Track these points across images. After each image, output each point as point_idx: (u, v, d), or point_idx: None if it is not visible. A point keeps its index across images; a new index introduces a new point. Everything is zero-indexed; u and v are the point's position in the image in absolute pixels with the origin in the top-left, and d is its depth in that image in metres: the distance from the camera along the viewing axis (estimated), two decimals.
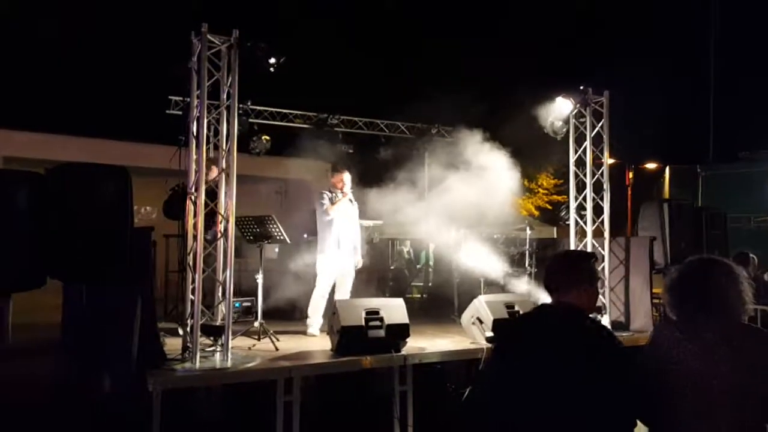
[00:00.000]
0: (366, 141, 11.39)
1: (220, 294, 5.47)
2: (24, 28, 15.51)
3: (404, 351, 5.63)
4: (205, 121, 5.26)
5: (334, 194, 7.05)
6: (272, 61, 5.45)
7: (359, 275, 7.73)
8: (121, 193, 4.34)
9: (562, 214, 7.69)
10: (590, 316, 2.66)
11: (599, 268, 7.22)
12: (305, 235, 9.12)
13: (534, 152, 7.85)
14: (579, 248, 7.34)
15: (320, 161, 11.77)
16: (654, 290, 7.38)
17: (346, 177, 7.14)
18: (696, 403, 2.37)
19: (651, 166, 19.92)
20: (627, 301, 7.43)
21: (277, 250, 8.96)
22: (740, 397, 2.33)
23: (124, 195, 4.37)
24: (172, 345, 5.51)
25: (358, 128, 11.33)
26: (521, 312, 6.22)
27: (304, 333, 6.95)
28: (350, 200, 7.11)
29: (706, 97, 21.82)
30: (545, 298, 7.47)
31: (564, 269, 2.65)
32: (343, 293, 7.11)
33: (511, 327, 2.75)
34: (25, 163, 8.69)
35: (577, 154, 7.44)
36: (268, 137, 9.57)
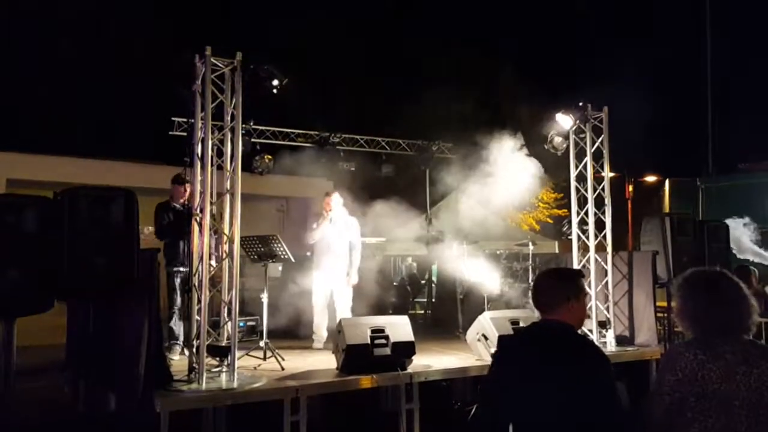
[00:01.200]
0: (367, 158, 11.46)
1: (225, 314, 5.48)
2: (28, 51, 15.65)
3: (410, 369, 5.64)
4: (210, 142, 5.30)
5: (321, 216, 7.30)
6: (275, 82, 5.50)
7: (362, 292, 7.78)
8: (128, 215, 4.39)
9: (564, 229, 7.72)
10: (578, 331, 2.71)
11: (603, 283, 7.29)
12: (308, 253, 9.15)
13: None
14: (582, 263, 7.37)
15: (322, 179, 11.81)
16: (658, 304, 7.40)
17: (334, 200, 7.41)
18: (718, 424, 2.37)
19: (651, 179, 19.99)
20: (631, 316, 7.44)
21: (280, 268, 8.97)
22: (758, 415, 2.34)
23: (131, 217, 4.42)
24: (177, 365, 5.51)
25: (360, 146, 11.40)
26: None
27: (310, 348, 7.24)
28: (330, 219, 7.33)
29: (705, 110, 21.92)
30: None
31: (551, 288, 2.69)
32: (341, 311, 7.27)
33: (505, 346, 2.80)
34: (29, 185, 8.73)
35: (578, 169, 7.50)
36: (270, 156, 9.63)
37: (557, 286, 2.68)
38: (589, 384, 2.43)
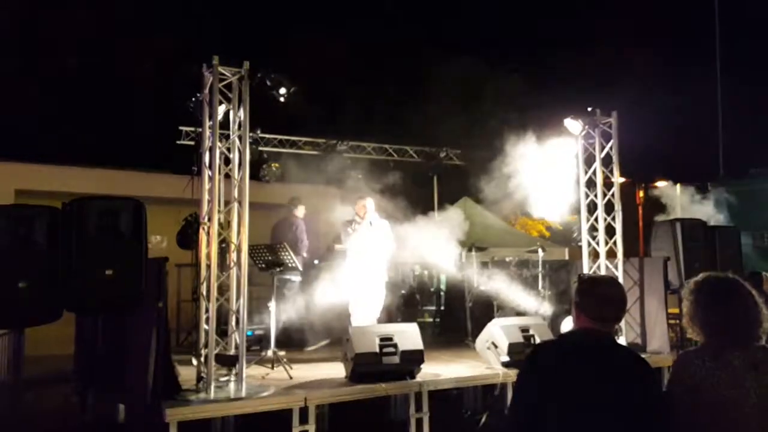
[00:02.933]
0: (375, 166, 11.47)
1: (233, 323, 5.47)
2: (38, 61, 15.79)
3: (419, 377, 5.60)
4: (218, 151, 5.30)
5: (355, 221, 7.22)
6: (282, 91, 5.51)
7: None
8: (136, 225, 4.40)
9: (575, 235, 7.67)
10: None
11: None
12: (315, 261, 9.14)
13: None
14: (592, 269, 7.32)
15: (329, 187, 11.81)
16: (670, 310, 7.32)
17: (369, 203, 7.31)
18: (729, 431, 2.35)
19: (661, 184, 19.85)
20: (643, 323, 7.36)
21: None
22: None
23: (139, 227, 4.43)
24: (185, 375, 5.49)
25: (367, 153, 11.41)
26: (536, 336, 6.18)
27: (317, 361, 7.04)
28: (370, 222, 7.29)
29: (715, 114, 21.82)
30: (560, 321, 7.37)
31: (624, 301, 2.62)
32: (371, 313, 7.23)
33: (553, 355, 2.60)
34: (38, 196, 8.77)
35: (587, 175, 7.45)
36: (277, 164, 9.66)
37: (625, 298, 2.62)
38: (650, 395, 2.38)
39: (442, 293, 11.40)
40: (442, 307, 11.25)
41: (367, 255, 7.25)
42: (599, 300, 2.56)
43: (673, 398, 2.47)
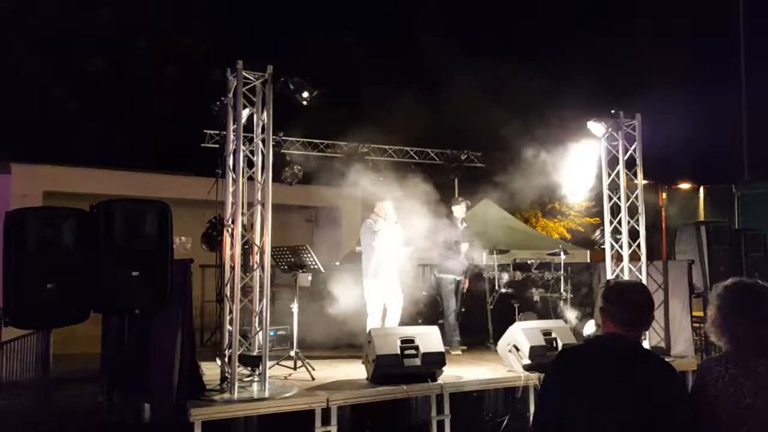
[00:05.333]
0: (396, 168, 11.49)
1: (256, 324, 5.52)
2: (63, 66, 16.07)
3: (440, 379, 5.61)
4: (242, 154, 5.36)
5: (375, 222, 7.22)
6: (305, 94, 5.55)
7: None
8: (162, 227, 4.47)
9: (597, 238, 7.61)
10: None
11: None
12: (337, 263, 9.18)
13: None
14: (615, 273, 7.26)
15: (350, 189, 11.85)
16: (694, 314, 7.24)
17: (387, 205, 7.30)
18: None
19: (685, 186, 19.58)
20: (667, 327, 7.29)
21: (309, 278, 9.00)
22: None
23: (165, 229, 4.50)
24: (209, 375, 5.56)
25: (388, 156, 11.44)
26: (558, 339, 6.15)
27: (337, 359, 7.12)
28: (395, 222, 7.28)
29: (740, 115, 21.46)
30: (583, 324, 7.31)
31: (651, 305, 2.60)
32: (391, 318, 7.19)
33: (579, 359, 2.56)
34: (66, 197, 8.94)
35: (611, 178, 7.39)
36: (299, 167, 9.72)
37: (652, 303, 2.61)
38: (676, 401, 2.37)
39: (462, 295, 11.36)
40: (464, 310, 11.21)
41: (384, 258, 7.20)
42: (626, 305, 2.52)
43: (698, 405, 2.45)
